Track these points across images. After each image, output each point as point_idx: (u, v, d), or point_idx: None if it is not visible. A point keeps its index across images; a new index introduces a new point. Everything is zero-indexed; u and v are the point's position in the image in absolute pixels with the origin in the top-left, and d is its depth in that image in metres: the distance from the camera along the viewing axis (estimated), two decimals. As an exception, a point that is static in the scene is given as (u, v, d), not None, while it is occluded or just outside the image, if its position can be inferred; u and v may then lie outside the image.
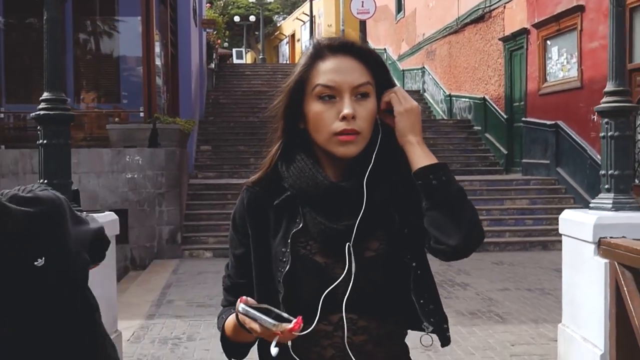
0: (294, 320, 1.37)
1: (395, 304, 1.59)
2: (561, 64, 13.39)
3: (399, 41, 25.52)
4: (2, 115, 11.65)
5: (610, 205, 4.73)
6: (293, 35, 45.09)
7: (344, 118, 1.53)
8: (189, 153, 13.52)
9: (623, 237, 4.43)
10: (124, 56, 13.99)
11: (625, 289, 4.17)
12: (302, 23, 40.47)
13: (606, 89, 4.94)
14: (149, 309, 7.22)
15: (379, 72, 1.61)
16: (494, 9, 16.24)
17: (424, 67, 22.05)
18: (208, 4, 26.45)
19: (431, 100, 21.35)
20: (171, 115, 12.98)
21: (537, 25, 13.94)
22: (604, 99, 4.91)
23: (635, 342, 4.01)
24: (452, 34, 19.16)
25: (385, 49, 27.48)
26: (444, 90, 20.14)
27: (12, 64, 12.66)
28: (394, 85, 1.65)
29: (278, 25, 50.57)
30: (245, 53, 45.40)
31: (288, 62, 45.11)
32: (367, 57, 1.60)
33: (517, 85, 15.34)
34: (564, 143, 13.12)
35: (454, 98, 19.35)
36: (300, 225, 1.58)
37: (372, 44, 29.59)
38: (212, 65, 23.86)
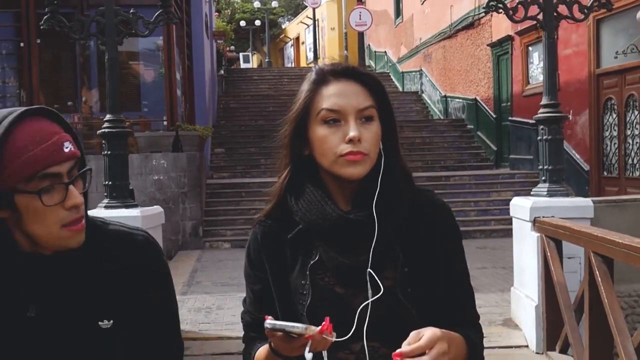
0: (322, 324, 1.38)
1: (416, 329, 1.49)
2: (541, 69, 14.73)
3: (399, 45, 26.86)
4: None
5: (545, 193, 6.14)
6: (297, 38, 46.39)
7: (350, 141, 1.53)
8: (205, 156, 14.96)
9: (552, 216, 5.82)
10: (144, 70, 15.43)
11: (549, 255, 5.58)
12: (306, 26, 41.83)
13: (542, 103, 6.35)
14: (182, 288, 8.64)
15: (380, 97, 1.62)
16: (482, 17, 17.58)
17: (421, 70, 23.37)
18: (216, 13, 27.89)
19: (429, 101, 22.69)
20: (189, 122, 14.42)
21: (520, 33, 15.28)
22: (540, 110, 6.32)
23: (555, 293, 5.42)
24: (446, 39, 20.50)
25: (385, 52, 28.85)
26: (440, 92, 21.48)
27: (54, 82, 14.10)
28: (392, 111, 1.65)
29: (283, 28, 51.88)
30: (252, 56, 46.78)
31: (293, 64, 46.53)
32: (370, 82, 1.61)
33: (504, 87, 16.70)
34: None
35: (449, 99, 20.69)
36: (317, 258, 1.58)
37: (374, 47, 30.99)
38: (222, 72, 25.30)
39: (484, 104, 17.87)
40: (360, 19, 15.26)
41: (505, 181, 14.82)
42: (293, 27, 48.11)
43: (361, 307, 1.52)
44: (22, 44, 12.65)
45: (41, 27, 6.28)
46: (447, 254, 1.62)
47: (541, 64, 14.76)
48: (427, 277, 1.57)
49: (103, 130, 6.11)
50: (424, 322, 1.48)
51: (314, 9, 26.88)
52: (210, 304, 7.74)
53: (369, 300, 1.53)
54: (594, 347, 4.56)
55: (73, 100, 15.56)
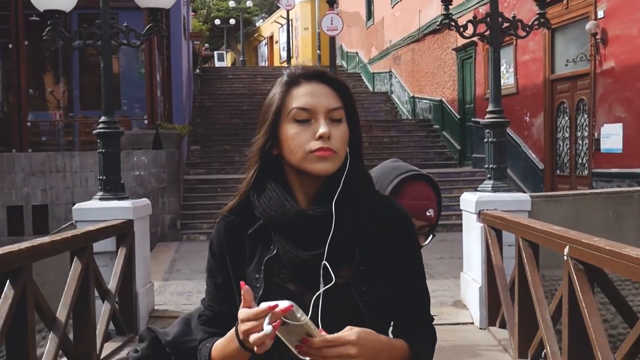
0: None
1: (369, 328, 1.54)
2: (502, 73, 15.63)
3: (370, 46, 27.68)
4: (29, 124, 13.68)
5: (490, 188, 6.97)
6: (271, 37, 46.97)
7: (320, 137, 1.57)
8: (182, 152, 15.66)
9: (495, 209, 6.65)
10: (123, 70, 16.08)
11: (490, 242, 6.41)
12: (280, 26, 42.46)
13: (488, 109, 7.17)
14: (163, 275, 9.38)
15: (348, 101, 1.66)
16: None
17: (391, 71, 24.21)
18: (192, 13, 28.50)
19: (397, 101, 23.53)
20: (167, 120, 15.11)
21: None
22: (487, 116, 7.15)
23: (495, 275, 6.26)
24: (415, 42, 21.35)
25: (357, 53, 29.66)
26: (408, 93, 22.32)
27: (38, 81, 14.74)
28: (358, 117, 1.70)
29: (257, 27, 52.46)
30: (226, 54, 47.35)
31: (267, 63, 47.17)
32: (339, 86, 1.65)
33: (467, 89, 17.59)
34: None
35: (416, 100, 21.55)
36: (274, 253, 1.61)
37: (346, 47, 31.77)
38: (197, 71, 25.93)
39: (449, 105, 18.74)
40: (331, 23, 15.97)
41: (467, 179, 15.70)
42: (267, 26, 48.71)
43: (314, 297, 1.55)
44: (10, 46, 13.25)
45: (43, 37, 6.96)
46: (404, 258, 1.66)
47: (501, 68, 15.69)
48: (382, 278, 1.61)
49: (98, 130, 6.85)
50: (376, 321, 1.57)
51: (287, 10, 27.54)
52: (191, 288, 8.48)
53: (321, 290, 1.56)
54: (522, 319, 5.40)
55: (55, 98, 16.19)
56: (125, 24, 7.00)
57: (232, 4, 45.68)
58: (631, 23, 10.66)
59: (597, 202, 6.94)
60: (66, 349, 5.14)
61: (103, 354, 5.74)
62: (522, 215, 6.35)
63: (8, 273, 4.24)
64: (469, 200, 6.98)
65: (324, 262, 1.56)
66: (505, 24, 7.28)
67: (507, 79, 15.34)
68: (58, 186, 12.46)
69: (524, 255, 5.24)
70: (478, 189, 7.20)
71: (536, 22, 7.26)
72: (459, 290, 7.74)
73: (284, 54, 40.31)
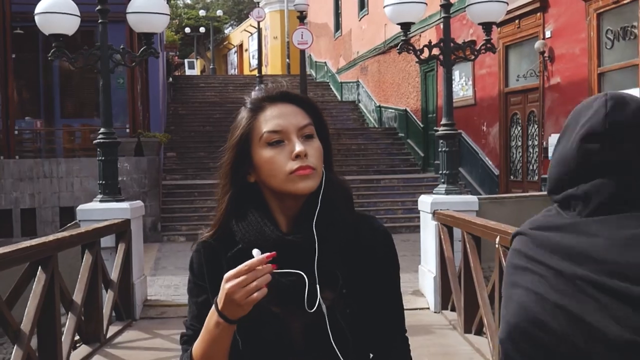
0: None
1: (350, 351, 1.57)
2: (461, 85, 16.76)
3: (338, 56, 28.71)
4: (16, 132, 14.44)
5: (444, 191, 7.97)
6: (241, 45, 47.80)
7: (297, 156, 1.55)
8: (160, 159, 16.50)
9: (447, 209, 7.65)
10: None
11: (443, 237, 7.41)
12: (250, 34, 43.34)
13: (442, 122, 8.20)
14: (150, 271, 10.23)
15: (316, 117, 1.66)
16: (412, 37, 19.51)
17: (358, 81, 25.24)
18: (165, 23, 29.28)
19: (365, 110, 24.56)
20: (145, 128, 15.95)
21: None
22: (441, 128, 8.16)
23: (446, 265, 7.26)
24: (381, 54, 22.41)
25: (325, 63, 30.68)
26: (375, 102, 23.36)
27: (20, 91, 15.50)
28: (328, 131, 1.70)
29: (226, 34, 53.26)
30: (196, 61, 48.10)
31: (237, 70, 48.02)
32: (304, 103, 1.65)
33: (430, 100, 18.67)
34: (463, 148, 16.45)
35: (382, 109, 22.60)
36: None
37: (315, 57, 32.76)
38: (170, 79, 26.76)
39: (413, 115, 19.80)
40: (302, 38, 16.98)
41: (430, 184, 16.71)
42: (237, 35, 49.48)
43: (314, 307, 1.54)
44: (-2, 59, 14.03)
45: (49, 59, 7.82)
46: (384, 279, 1.65)
47: (461, 81, 16.81)
48: (364, 299, 1.59)
49: (98, 140, 7.72)
50: (357, 342, 1.57)
51: (258, 22, 28.47)
52: (177, 282, 9.37)
53: (312, 307, 1.54)
54: (467, 301, 6.40)
55: (37, 108, 16.98)
56: (122, 47, 7.89)
57: (202, 12, 46.53)
58: (574, 43, 11.79)
59: (535, 203, 7.98)
60: (80, 330, 6.03)
61: (108, 335, 6.63)
62: (471, 215, 7.36)
63: (40, 260, 5.13)
64: (425, 202, 7.98)
65: (317, 286, 1.55)
66: (457, 50, 8.28)
67: (466, 91, 16.46)
68: (45, 191, 13.24)
69: (467, 246, 6.25)
70: (433, 192, 8.20)
71: (483, 47, 8.28)
72: (418, 282, 8.73)
73: (254, 62, 41.17)
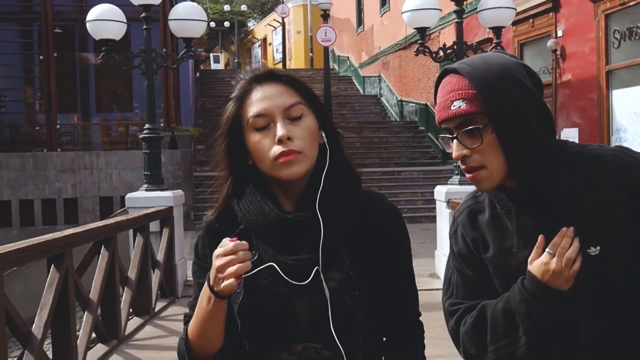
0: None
1: (361, 333, 1.55)
2: (479, 80, 17.41)
3: (360, 51, 29.41)
4: (58, 126, 15.36)
5: (457, 182, 8.71)
6: (265, 39, 48.60)
7: (280, 141, 1.53)
8: (192, 152, 17.37)
9: (460, 198, 8.38)
10: (135, 75, 17.82)
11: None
12: (274, 28, 44.11)
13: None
14: (187, 256, 11.06)
15: (307, 93, 1.62)
16: (432, 33, 20.19)
17: (380, 75, 25.91)
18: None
19: (386, 104, 25.26)
20: (177, 122, 16.83)
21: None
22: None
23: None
24: (402, 49, 23.09)
25: (348, 57, 31.38)
26: (396, 96, 24.05)
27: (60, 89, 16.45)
28: (321, 104, 1.66)
29: (250, 29, 54.05)
30: (221, 55, 48.97)
31: (260, 64, 48.79)
32: (292, 81, 1.61)
33: (449, 95, 19.32)
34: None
35: (404, 103, 23.29)
36: (255, 257, 1.55)
37: (338, 51, 33.45)
38: (197, 74, 27.61)
39: (433, 109, 20.45)
40: (325, 35, 17.75)
41: (448, 176, 17.32)
42: (260, 29, 50.23)
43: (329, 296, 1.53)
44: (41, 57, 14.92)
45: (99, 61, 8.65)
46: (394, 259, 1.62)
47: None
48: (374, 280, 1.56)
49: (144, 135, 8.54)
50: (368, 323, 1.54)
51: (282, 18, 29.28)
52: (212, 265, 10.19)
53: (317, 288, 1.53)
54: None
55: (74, 103, 17.89)
56: (164, 50, 8.70)
57: (227, 7, 47.37)
58: (585, 42, 12.44)
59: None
60: (134, 303, 6.86)
61: (156, 309, 7.46)
62: (481, 203, 8.09)
63: (103, 240, 5.95)
64: (440, 192, 8.73)
65: (319, 268, 1.53)
66: (469, 51, 8.99)
67: (484, 86, 17.11)
68: (86, 181, 14.15)
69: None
70: (448, 182, 8.94)
71: (494, 50, 8.97)
72: (434, 265, 9.47)
73: (277, 56, 42.00)
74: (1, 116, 15.23)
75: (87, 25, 8.35)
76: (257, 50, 52.10)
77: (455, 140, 1.60)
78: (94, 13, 8.31)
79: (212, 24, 47.56)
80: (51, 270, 4.72)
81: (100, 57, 8.51)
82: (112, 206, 14.07)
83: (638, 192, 1.55)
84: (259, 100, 1.58)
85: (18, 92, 16.73)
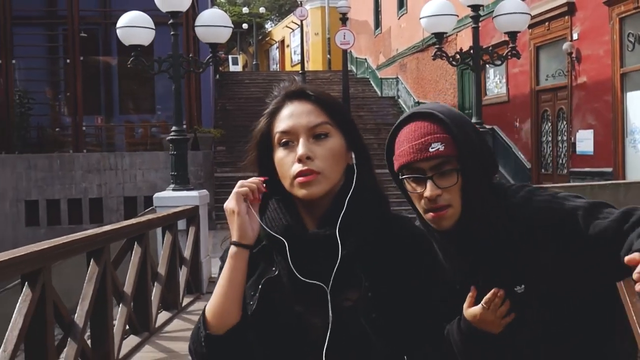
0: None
1: (375, 355, 1.54)
2: (496, 83, 17.68)
3: (377, 53, 29.67)
4: (84, 128, 15.78)
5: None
6: (283, 41, 48.96)
7: (299, 160, 1.55)
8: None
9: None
10: (158, 78, 18.21)
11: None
12: (291, 30, 44.49)
13: (472, 121, 9.16)
14: (211, 253, 11.41)
15: (335, 113, 1.63)
16: (449, 35, 20.42)
17: (397, 77, 26.14)
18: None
19: (404, 105, 25.46)
20: (198, 124, 17.20)
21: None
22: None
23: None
24: (419, 51, 23.34)
25: (365, 59, 31.65)
26: (413, 98, 24.27)
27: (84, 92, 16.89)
28: (352, 125, 1.66)
29: (268, 31, 54.46)
30: (239, 56, 49.41)
31: (278, 66, 49.22)
32: (322, 101, 1.63)
33: (466, 96, 19.57)
34: (497, 143, 17.38)
35: (421, 104, 23.46)
36: (275, 274, 1.58)
37: (355, 53, 33.73)
38: (217, 76, 27.99)
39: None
40: (344, 38, 18.08)
41: (464, 176, 17.69)
42: (278, 31, 50.59)
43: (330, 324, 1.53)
44: (68, 61, 15.33)
45: (128, 66, 8.98)
46: (417, 282, 1.59)
47: (495, 79, 17.71)
48: (393, 304, 1.55)
49: (171, 137, 8.87)
50: (384, 346, 1.53)
51: (301, 20, 29.63)
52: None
53: (334, 311, 1.54)
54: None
55: (97, 105, 18.32)
56: (190, 55, 9.03)
57: (245, 9, 47.79)
58: (599, 45, 12.66)
59: (557, 194, 8.95)
60: (163, 298, 7.18)
61: (183, 304, 7.79)
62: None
63: (136, 237, 6.28)
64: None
65: (328, 290, 1.54)
66: (485, 55, 9.26)
67: (500, 89, 17.36)
68: (111, 182, 14.54)
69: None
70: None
71: (509, 53, 9.24)
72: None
73: (295, 58, 42.35)
74: (28, 118, 15.62)
75: (118, 31, 8.69)
76: (274, 52, 52.46)
77: (430, 181, 1.72)
78: (124, 20, 8.65)
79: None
80: (91, 264, 5.04)
81: (129, 62, 8.83)
82: (136, 206, 14.44)
83: (562, 234, 1.74)
84: (286, 117, 1.61)
85: (43, 95, 17.16)
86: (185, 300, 7.97)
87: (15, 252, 3.98)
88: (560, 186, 9.64)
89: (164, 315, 7.23)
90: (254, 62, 45.42)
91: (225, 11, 48.75)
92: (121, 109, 18.72)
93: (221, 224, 15.27)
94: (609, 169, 12.40)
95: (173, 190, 8.78)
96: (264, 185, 1.61)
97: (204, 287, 8.72)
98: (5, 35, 15.05)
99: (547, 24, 14.41)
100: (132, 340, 6.15)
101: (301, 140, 1.58)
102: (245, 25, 48.26)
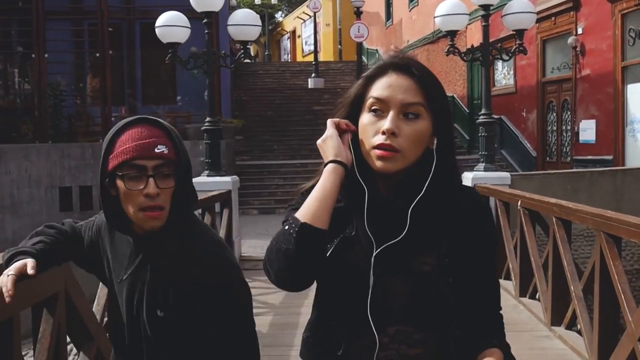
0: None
1: (452, 319, 1.60)
2: (504, 74, 18.41)
3: (389, 44, 30.36)
4: (113, 119, 16.62)
5: (483, 169, 9.76)
6: (294, 32, 49.55)
7: (383, 133, 1.56)
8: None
9: (485, 183, 9.43)
10: (179, 72, 19.00)
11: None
12: (303, 21, 45.14)
13: (481, 112, 9.95)
14: (240, 234, 12.25)
15: (433, 97, 1.62)
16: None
17: (409, 68, 26.84)
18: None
19: (414, 96, 26.17)
20: (218, 114, 17.99)
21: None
22: (480, 117, 9.92)
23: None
24: (430, 43, 24.05)
25: (377, 50, 32.35)
26: (424, 88, 24.96)
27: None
28: (446, 112, 1.66)
29: (279, 21, 55.08)
30: (251, 48, 50.14)
31: (289, 56, 49.89)
32: (424, 80, 1.61)
33: (475, 87, 20.30)
34: (505, 132, 18.14)
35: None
36: (352, 234, 1.63)
37: (366, 44, 34.44)
38: (232, 66, 28.72)
39: (459, 101, 21.47)
40: (358, 32, 18.86)
41: (474, 164, 18.32)
42: (289, 21, 51.12)
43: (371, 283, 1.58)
44: (97, 54, 16.15)
45: (166, 62, 9.78)
46: (483, 251, 1.66)
47: (504, 70, 18.44)
48: (466, 269, 1.60)
49: (205, 127, 9.68)
50: (459, 309, 1.61)
51: (314, 12, 30.35)
52: (261, 244, 11.34)
53: (371, 281, 1.59)
54: (502, 254, 8.20)
55: (121, 96, 19.15)
56: (223, 52, 9.83)
57: (257, 1, 48.48)
58: (602, 40, 13.40)
59: (559, 180, 9.73)
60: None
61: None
62: (504, 187, 9.13)
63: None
64: (467, 178, 9.78)
65: (373, 257, 1.59)
66: (494, 50, 10.02)
67: (508, 80, 18.10)
68: (139, 169, 15.35)
69: (499, 210, 8.06)
70: (474, 169, 9.98)
71: (516, 50, 10.00)
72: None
73: (307, 48, 43.00)
74: (61, 110, 16.46)
75: (157, 30, 9.46)
76: (286, 43, 53.00)
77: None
78: (162, 19, 9.43)
79: (243, 17, 48.63)
80: None
81: (167, 58, 9.60)
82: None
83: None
84: (384, 86, 1.62)
85: (72, 87, 18.01)
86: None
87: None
88: (560, 173, 10.40)
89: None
90: (266, 53, 46.11)
91: (239, 2, 49.59)
92: (144, 100, 19.54)
93: (243, 210, 16.07)
94: (610, 157, 13.16)
95: (207, 176, 9.59)
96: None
97: (236, 264, 9.54)
98: (38, 30, 15.88)
99: (553, 18, 15.13)
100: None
101: (391, 114, 1.59)
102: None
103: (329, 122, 1.64)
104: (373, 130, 1.59)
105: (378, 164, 1.58)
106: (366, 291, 1.57)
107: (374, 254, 1.57)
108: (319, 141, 1.62)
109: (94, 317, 4.41)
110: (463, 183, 1.76)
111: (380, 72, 1.64)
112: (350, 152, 1.62)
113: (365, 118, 1.62)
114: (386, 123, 1.57)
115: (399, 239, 1.56)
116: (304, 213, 1.55)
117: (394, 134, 1.56)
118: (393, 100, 1.59)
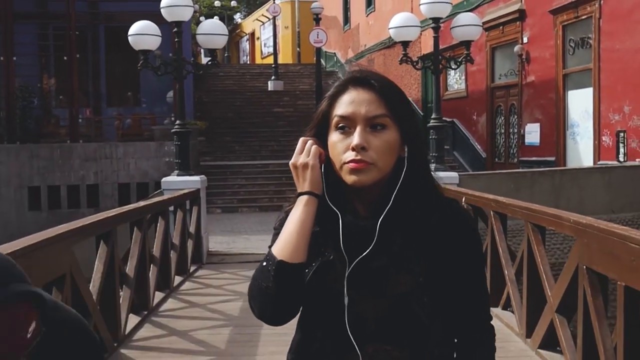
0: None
1: (428, 338, 1.60)
2: (456, 79, 19.33)
3: (347, 48, 31.19)
4: (80, 120, 17.12)
5: (434, 169, 10.56)
6: (253, 34, 50.07)
7: (353, 149, 1.56)
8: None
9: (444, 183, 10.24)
10: (143, 75, 19.52)
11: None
12: (262, 23, 45.69)
13: (432, 117, 10.77)
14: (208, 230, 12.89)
15: (396, 106, 1.61)
16: (414, 34, 22.04)
17: (365, 72, 27.65)
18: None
19: (371, 98, 27.00)
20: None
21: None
22: (431, 121, 10.73)
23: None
24: (386, 48, 24.91)
25: (335, 53, 33.16)
26: (380, 91, 25.80)
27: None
28: (411, 119, 1.64)
29: (238, 23, 55.52)
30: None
31: (248, 58, 50.38)
32: (384, 91, 1.61)
33: (429, 91, 21.17)
34: (457, 134, 19.06)
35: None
36: (331, 257, 1.61)
37: (324, 47, 35.22)
38: (200, 72, 29.21)
39: (414, 104, 22.36)
40: (317, 37, 19.60)
41: (427, 165, 19.32)
42: (249, 23, 51.54)
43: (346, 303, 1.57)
44: (65, 58, 16.64)
45: (138, 68, 10.39)
46: (466, 264, 1.63)
47: (456, 76, 19.35)
48: (444, 287, 1.59)
49: (175, 129, 10.32)
50: (437, 328, 1.60)
51: (274, 16, 31.03)
52: (227, 240, 12.03)
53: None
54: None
55: (86, 99, 19.62)
56: (192, 59, 10.47)
57: (217, 3, 48.92)
58: (545, 49, 14.35)
59: (503, 178, 10.59)
60: (177, 265, 8.65)
61: (190, 271, 9.27)
62: (452, 187, 9.94)
63: (158, 213, 7.75)
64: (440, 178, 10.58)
65: (346, 277, 1.58)
66: (443, 60, 10.85)
67: (460, 85, 19.02)
68: (106, 170, 15.90)
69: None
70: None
71: (464, 59, 10.84)
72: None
73: (265, 50, 43.58)
74: (30, 111, 16.90)
75: (129, 38, 10.07)
76: (245, 44, 53.45)
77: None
78: (135, 28, 10.04)
79: (202, 19, 48.94)
80: (101, 244, 5.61)
81: (139, 65, 10.22)
82: (129, 192, 15.81)
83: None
84: (347, 102, 1.61)
85: (39, 89, 18.45)
86: (192, 268, 9.45)
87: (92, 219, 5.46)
88: (504, 172, 11.27)
89: (177, 279, 8.70)
90: (225, 54, 46.58)
91: (198, 3, 49.90)
92: (109, 102, 20.04)
93: (207, 208, 16.70)
94: (552, 158, 14.12)
95: (177, 175, 10.22)
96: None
97: (204, 258, 10.20)
98: (6, 32, 16.30)
99: (501, 27, 16.07)
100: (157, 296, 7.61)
101: (358, 129, 1.59)
102: (216, 18, 49.24)
103: (315, 149, 1.64)
104: (343, 147, 1.59)
105: (352, 178, 1.58)
106: (343, 312, 1.58)
107: (346, 274, 1.58)
108: (294, 163, 1.65)
109: (92, 295, 5.08)
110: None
111: (341, 89, 1.65)
112: (322, 178, 1.64)
113: (334, 136, 1.62)
114: (354, 139, 1.57)
115: (366, 252, 1.56)
116: (280, 249, 1.59)
117: (363, 149, 1.56)
118: (358, 115, 1.59)
